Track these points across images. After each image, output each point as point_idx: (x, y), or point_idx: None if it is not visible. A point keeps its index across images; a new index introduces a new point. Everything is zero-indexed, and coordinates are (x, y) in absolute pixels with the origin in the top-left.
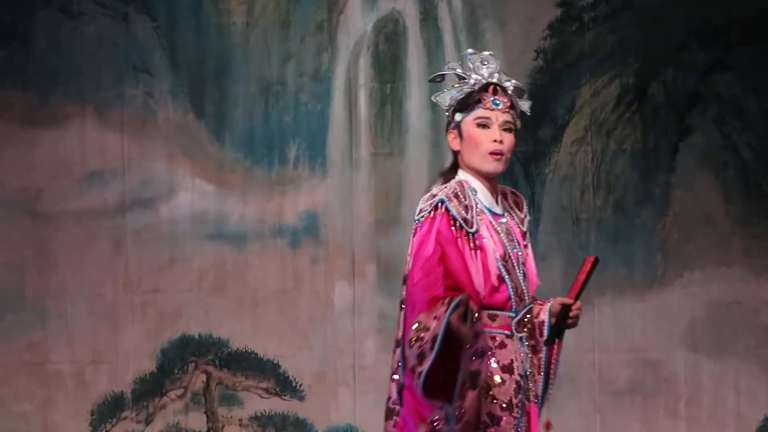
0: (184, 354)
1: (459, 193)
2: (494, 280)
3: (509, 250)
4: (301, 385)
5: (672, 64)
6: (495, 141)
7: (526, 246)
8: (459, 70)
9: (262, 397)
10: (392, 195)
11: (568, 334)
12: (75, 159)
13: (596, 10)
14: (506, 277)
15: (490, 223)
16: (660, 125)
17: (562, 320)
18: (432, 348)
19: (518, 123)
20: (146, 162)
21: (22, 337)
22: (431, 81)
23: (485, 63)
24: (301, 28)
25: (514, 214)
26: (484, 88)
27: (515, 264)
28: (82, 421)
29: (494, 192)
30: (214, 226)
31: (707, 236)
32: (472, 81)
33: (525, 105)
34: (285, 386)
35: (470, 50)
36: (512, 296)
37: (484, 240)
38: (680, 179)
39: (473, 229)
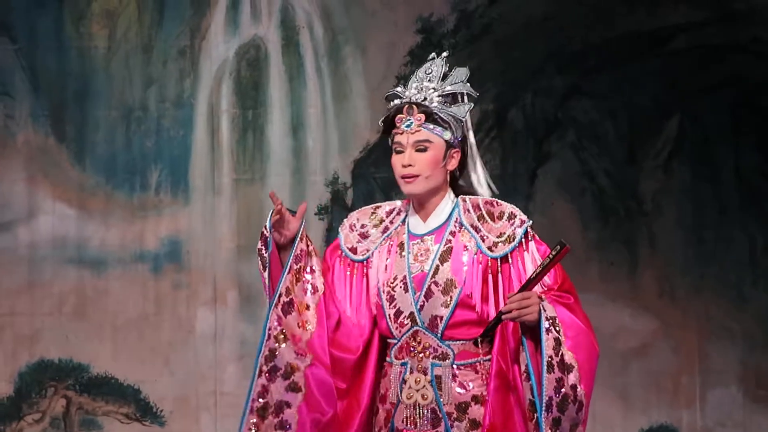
0: (43, 378)
1: (359, 221)
2: (373, 308)
3: (407, 273)
4: (161, 411)
5: (531, 90)
6: (403, 166)
7: (477, 259)
8: (398, 90)
9: (122, 423)
10: (254, 221)
11: None
12: None
13: (456, 36)
14: (385, 304)
15: (400, 245)
16: (519, 151)
17: (498, 318)
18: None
19: (445, 135)
20: (4, 184)
21: None
22: (387, 100)
23: (419, 79)
24: (163, 53)
25: (478, 227)
26: (399, 110)
27: (410, 286)
28: None
29: (426, 211)
30: (75, 250)
31: (564, 262)
32: (392, 104)
33: (459, 110)
34: (146, 411)
35: (432, 59)
36: (390, 323)
37: (370, 270)
38: (538, 205)
39: (360, 258)
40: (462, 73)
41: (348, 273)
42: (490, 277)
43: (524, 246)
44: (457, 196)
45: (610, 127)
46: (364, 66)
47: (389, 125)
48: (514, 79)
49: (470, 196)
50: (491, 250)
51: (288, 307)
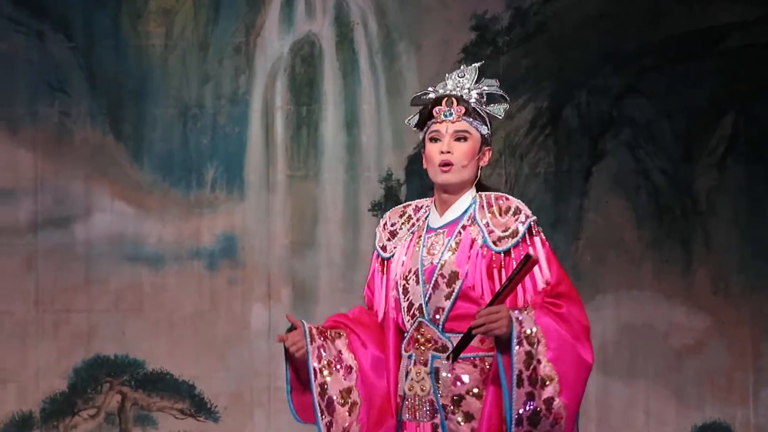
0: (98, 374)
1: (390, 220)
2: (392, 302)
3: (419, 266)
4: (216, 407)
5: (585, 88)
6: (442, 152)
7: (482, 252)
8: (431, 89)
9: (177, 418)
10: (308, 217)
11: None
12: None
13: (510, 33)
14: (401, 297)
15: (418, 239)
16: (573, 149)
17: (468, 332)
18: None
19: (482, 129)
20: (61, 181)
21: None
22: (413, 105)
23: (454, 78)
24: (219, 51)
25: (488, 222)
26: (438, 101)
27: (421, 278)
28: None
29: (446, 205)
30: (132, 247)
31: (619, 259)
32: (429, 97)
33: (497, 109)
34: (200, 407)
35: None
36: (404, 315)
37: (392, 265)
38: (593, 203)
39: (387, 255)
40: (493, 81)
41: (380, 270)
42: (495, 271)
43: (528, 242)
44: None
45: (665, 126)
46: (418, 63)
47: (426, 117)
48: (569, 78)
49: (488, 193)
50: (496, 245)
51: (330, 410)
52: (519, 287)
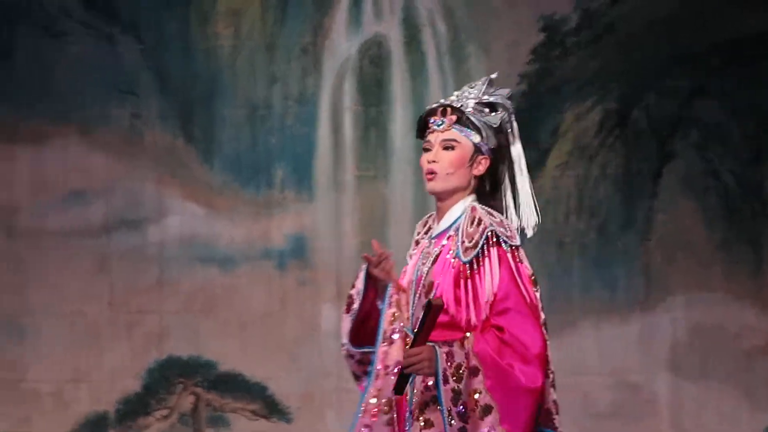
0: (171, 375)
1: (417, 229)
2: None
3: (414, 277)
4: (288, 407)
5: (654, 90)
6: (429, 162)
7: (452, 263)
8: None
9: (250, 420)
10: (377, 218)
11: (551, 355)
12: (56, 177)
13: (579, 35)
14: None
15: (422, 249)
16: (642, 150)
17: (401, 373)
18: None
19: (473, 138)
20: (132, 183)
21: None
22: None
23: (465, 88)
24: (286, 51)
25: (464, 231)
26: (434, 111)
27: (412, 289)
28: None
29: (441, 214)
30: (203, 248)
31: (689, 261)
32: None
33: (493, 118)
34: (272, 408)
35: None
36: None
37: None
38: (662, 204)
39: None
40: (504, 91)
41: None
42: (462, 281)
43: (486, 252)
44: (480, 202)
45: (734, 127)
46: (486, 65)
47: (423, 127)
48: (637, 79)
49: (478, 204)
50: (464, 255)
51: (389, 342)
52: (463, 299)
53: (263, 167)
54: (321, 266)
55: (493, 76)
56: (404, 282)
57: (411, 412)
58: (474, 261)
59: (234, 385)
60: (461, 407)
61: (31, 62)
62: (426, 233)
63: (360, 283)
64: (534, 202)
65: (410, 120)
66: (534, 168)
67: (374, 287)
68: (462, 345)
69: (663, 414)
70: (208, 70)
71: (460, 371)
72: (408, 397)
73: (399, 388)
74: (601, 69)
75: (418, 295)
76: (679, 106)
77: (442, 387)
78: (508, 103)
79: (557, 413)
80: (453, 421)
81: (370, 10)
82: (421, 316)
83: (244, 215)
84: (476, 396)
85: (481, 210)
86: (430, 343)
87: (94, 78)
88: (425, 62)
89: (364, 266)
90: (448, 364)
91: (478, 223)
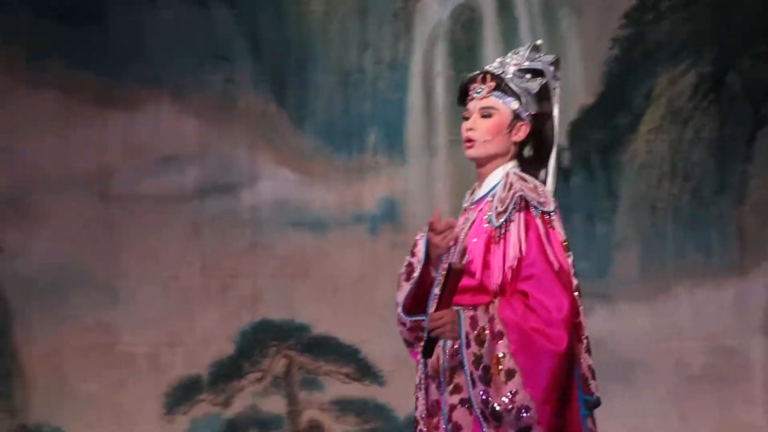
0: (264, 338)
1: (466, 197)
2: None
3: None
4: (381, 371)
5: (748, 54)
6: (467, 130)
7: (486, 227)
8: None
9: (343, 382)
10: (469, 181)
11: (645, 320)
12: (149, 142)
13: None
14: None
15: (465, 217)
16: (736, 114)
17: (428, 336)
18: None
19: (512, 104)
20: (225, 148)
21: (91, 318)
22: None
23: (506, 56)
24: (378, 17)
25: (499, 197)
26: (473, 79)
27: (452, 253)
28: (155, 403)
29: (481, 180)
30: (296, 213)
31: None
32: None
33: (533, 84)
34: (365, 372)
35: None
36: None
37: None
38: (757, 168)
39: None
40: (549, 57)
41: None
42: (492, 246)
43: (514, 216)
44: (522, 168)
45: None
46: (579, 28)
47: (463, 94)
48: (731, 43)
49: (521, 172)
50: (496, 220)
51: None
52: (492, 263)
53: (355, 132)
54: (413, 230)
55: (539, 42)
56: (454, 248)
57: (444, 377)
58: (503, 225)
59: (327, 348)
60: (483, 371)
61: (123, 27)
62: (470, 198)
63: (421, 252)
64: (554, 172)
65: None
66: (627, 132)
67: (430, 255)
68: (487, 310)
69: (757, 378)
70: (300, 35)
71: (483, 335)
72: (441, 361)
73: (427, 352)
74: (694, 33)
75: (455, 259)
76: None
77: (465, 351)
78: (550, 69)
79: (593, 378)
80: (476, 385)
81: None
82: (443, 280)
83: (337, 180)
84: (500, 360)
85: (514, 175)
86: (456, 307)
87: (187, 43)
88: (517, 27)
89: (424, 234)
90: (471, 328)
91: (510, 188)
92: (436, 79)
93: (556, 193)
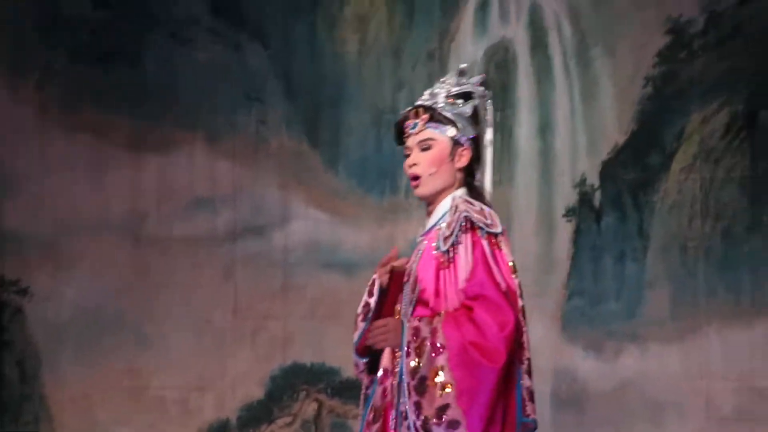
0: (295, 381)
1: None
2: None
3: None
4: None
5: None
6: (410, 166)
7: (434, 255)
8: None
9: None
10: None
11: (676, 361)
12: (183, 185)
13: (706, 37)
14: None
15: (416, 249)
16: None
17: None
18: None
19: (449, 132)
20: (258, 189)
21: (122, 362)
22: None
23: (433, 87)
24: (412, 57)
25: (446, 223)
26: (407, 116)
27: (407, 286)
28: None
29: (430, 211)
30: (328, 254)
31: None
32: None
33: (465, 108)
34: None
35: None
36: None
37: None
38: None
39: None
40: (476, 78)
41: None
42: (442, 272)
43: (460, 239)
44: (470, 194)
45: None
46: (612, 67)
47: (399, 133)
48: (765, 81)
49: (467, 197)
50: (443, 244)
51: None
52: (443, 287)
53: (388, 172)
54: None
55: (463, 66)
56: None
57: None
58: (451, 249)
59: (357, 392)
60: (419, 381)
61: (159, 69)
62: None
63: (376, 291)
64: (487, 183)
65: (536, 124)
66: (659, 171)
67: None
68: (431, 322)
69: None
70: (334, 75)
71: (424, 347)
72: (397, 370)
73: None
74: (727, 71)
75: (408, 291)
76: None
77: (404, 360)
78: (481, 89)
79: (532, 401)
80: (411, 395)
81: (496, 14)
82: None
83: (369, 221)
84: (438, 372)
85: (460, 199)
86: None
87: (221, 85)
88: (551, 66)
89: (375, 275)
90: (414, 337)
91: (455, 212)
92: None
93: (587, 233)
